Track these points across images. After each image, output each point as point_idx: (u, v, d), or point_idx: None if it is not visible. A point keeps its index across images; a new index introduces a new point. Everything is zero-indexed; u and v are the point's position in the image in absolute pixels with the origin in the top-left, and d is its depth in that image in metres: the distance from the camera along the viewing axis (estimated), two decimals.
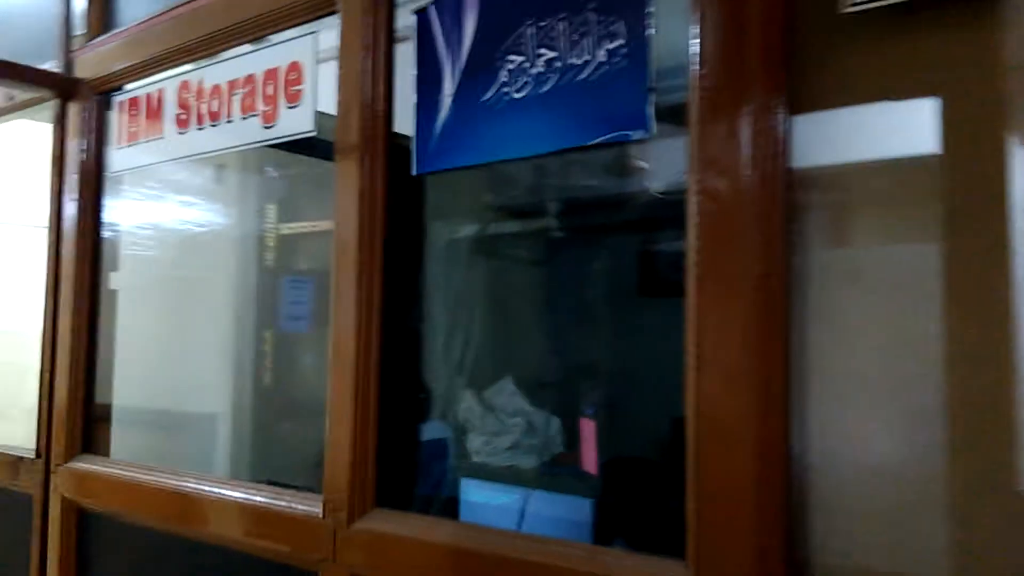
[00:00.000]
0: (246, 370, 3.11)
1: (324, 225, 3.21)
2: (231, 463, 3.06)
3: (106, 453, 2.15)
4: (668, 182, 2.71)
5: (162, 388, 3.02)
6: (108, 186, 2.17)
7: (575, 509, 2.17)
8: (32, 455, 2.14)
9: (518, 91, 1.34)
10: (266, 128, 1.70)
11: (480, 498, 2.33)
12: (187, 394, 3.06)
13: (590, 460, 2.13)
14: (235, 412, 3.09)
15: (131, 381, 2.96)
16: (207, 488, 1.74)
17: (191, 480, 1.80)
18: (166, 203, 2.90)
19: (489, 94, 1.38)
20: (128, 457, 3.02)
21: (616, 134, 1.22)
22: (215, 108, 1.81)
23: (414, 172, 1.48)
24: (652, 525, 2.45)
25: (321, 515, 1.51)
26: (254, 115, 1.72)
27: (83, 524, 2.03)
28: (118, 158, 2.09)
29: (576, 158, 2.84)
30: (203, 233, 3.02)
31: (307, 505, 1.55)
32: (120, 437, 3.00)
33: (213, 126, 1.82)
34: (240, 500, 1.66)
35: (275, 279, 3.18)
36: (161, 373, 3.01)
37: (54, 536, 2.04)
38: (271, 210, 3.18)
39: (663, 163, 2.96)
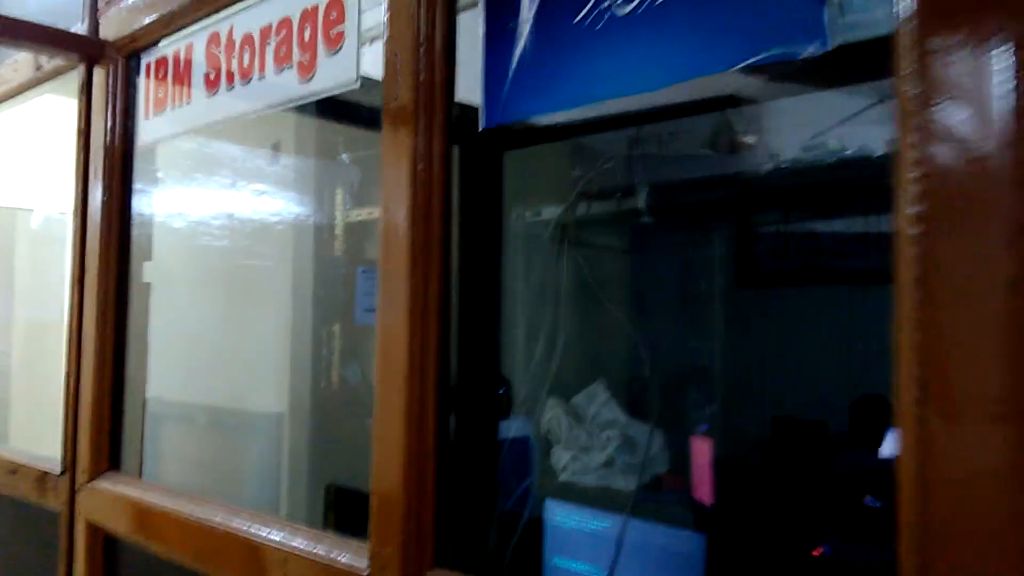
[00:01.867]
0: (314, 367, 2.77)
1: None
2: (295, 467, 2.73)
3: (137, 464, 1.82)
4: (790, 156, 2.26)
5: (221, 386, 2.71)
6: (146, 168, 1.84)
7: (683, 544, 1.75)
8: (58, 469, 1.83)
9: (624, 4, 0.93)
10: (303, 82, 1.32)
11: (569, 523, 1.93)
12: (249, 392, 2.74)
13: (704, 487, 1.70)
14: (301, 412, 2.76)
15: (185, 378, 2.66)
16: (238, 525, 1.38)
17: (221, 513, 1.44)
18: (219, 188, 2.58)
19: (583, 13, 0.97)
20: (181, 460, 2.73)
21: (775, 52, 0.80)
22: (246, 63, 1.45)
23: (482, 126, 1.08)
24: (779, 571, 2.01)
25: (368, 571, 1.13)
26: (289, 67, 1.35)
27: (111, 551, 1.70)
28: (146, 129, 1.75)
29: (676, 129, 2.40)
30: (267, 221, 2.69)
31: (352, 557, 1.17)
32: (173, 437, 2.70)
33: (244, 84, 1.46)
34: (273, 544, 1.29)
35: (345, 269, 2.83)
36: (221, 370, 2.70)
37: (79, 563, 1.72)
38: (338, 195, 2.82)
39: (775, 135, 2.51)
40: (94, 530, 1.70)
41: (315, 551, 1.22)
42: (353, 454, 2.91)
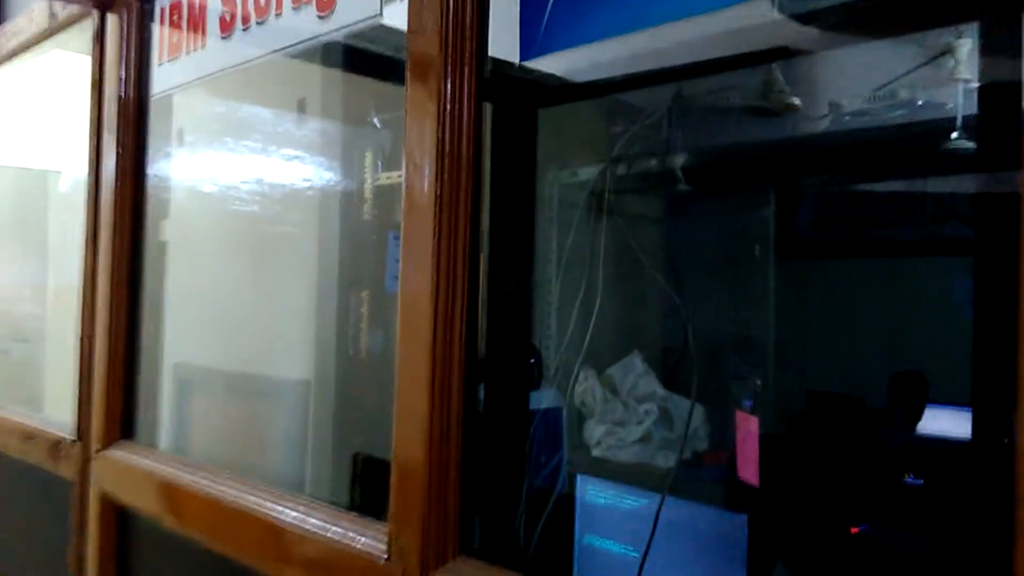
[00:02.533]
0: (341, 334, 2.66)
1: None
2: (322, 436, 2.63)
3: (153, 433, 1.72)
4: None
5: (246, 351, 2.61)
6: (166, 130, 1.72)
7: (725, 525, 1.62)
8: (73, 436, 1.73)
9: None
10: (321, 18, 1.19)
11: (602, 500, 1.80)
12: (275, 359, 2.63)
13: (749, 466, 1.56)
14: (328, 379, 2.65)
15: (210, 342, 2.56)
16: (250, 499, 1.27)
17: (236, 488, 1.33)
18: (245, 151, 2.46)
19: None
20: (203, 428, 2.63)
21: None
22: (262, 1, 1.32)
23: (519, 60, 0.94)
24: (825, 554, 1.88)
25: (386, 556, 1.01)
26: (307, 3, 1.22)
27: (124, 525, 1.61)
28: (160, 78, 1.62)
29: (719, 86, 2.24)
30: (294, 184, 2.57)
31: (369, 541, 1.05)
32: (195, 403, 2.61)
33: (261, 24, 1.32)
34: (288, 522, 1.18)
35: (375, 235, 2.70)
36: (246, 335, 2.60)
37: (93, 535, 1.63)
38: (367, 157, 2.69)
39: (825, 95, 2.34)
40: (107, 502, 1.60)
41: (328, 533, 1.10)
42: (381, 423, 2.81)
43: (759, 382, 1.72)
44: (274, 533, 1.19)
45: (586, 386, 1.84)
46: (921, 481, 2.61)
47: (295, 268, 2.61)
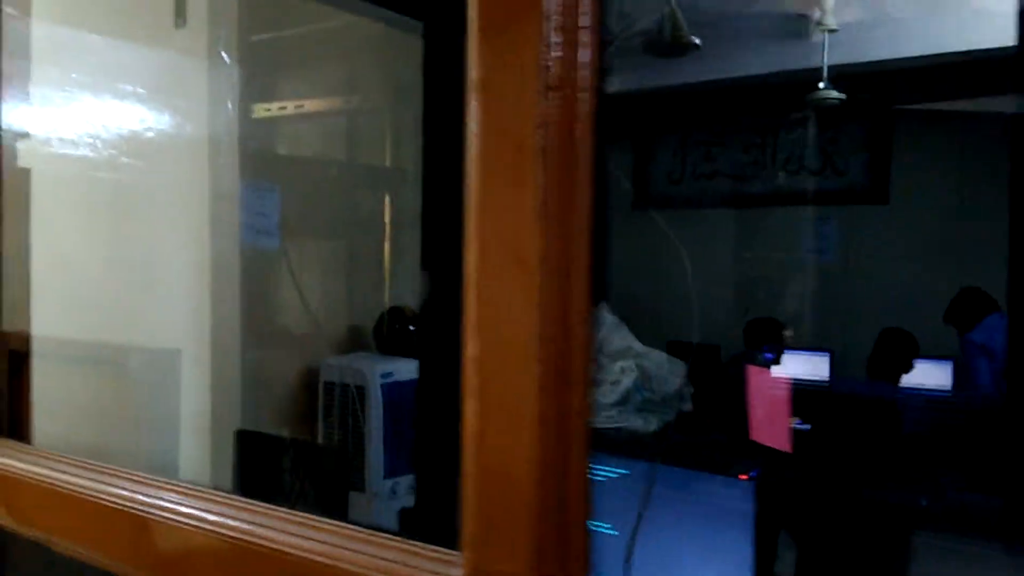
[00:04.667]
0: (220, 297, 2.19)
1: (310, 105, 2.27)
2: (197, 410, 2.16)
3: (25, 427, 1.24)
4: None
5: (106, 319, 2.09)
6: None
7: (729, 492, 1.37)
8: None
9: None
10: None
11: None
12: (139, 326, 2.13)
13: (770, 428, 1.30)
14: (202, 347, 2.17)
15: (62, 309, 2.02)
16: (195, 514, 0.86)
17: (163, 491, 0.91)
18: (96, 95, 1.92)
19: None
20: (60, 409, 2.10)
21: None
22: None
23: None
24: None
25: None
26: None
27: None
28: None
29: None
30: (147, 129, 2.04)
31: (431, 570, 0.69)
32: (45, 380, 2.07)
33: None
34: (252, 542, 0.79)
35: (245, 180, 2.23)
36: (106, 301, 2.07)
37: None
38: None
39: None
40: None
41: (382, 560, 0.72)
42: (269, 395, 2.37)
43: (789, 332, 1.47)
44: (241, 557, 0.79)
45: None
46: (808, 426, 2.53)
47: (158, 225, 2.11)
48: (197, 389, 2.17)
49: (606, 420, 1.46)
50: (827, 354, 3.89)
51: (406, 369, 2.26)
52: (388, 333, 2.39)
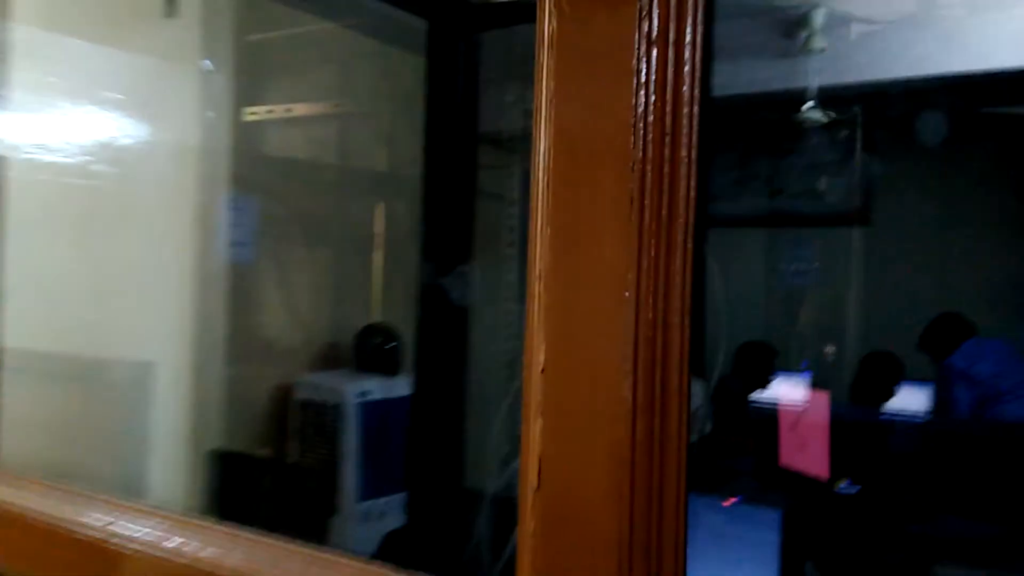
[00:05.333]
0: (200, 310, 2.05)
1: (301, 109, 2.15)
2: (171, 427, 2.01)
3: None
4: None
5: (76, 330, 1.94)
6: None
7: (754, 522, 1.26)
8: None
9: None
10: None
11: None
12: (112, 338, 1.98)
13: (806, 453, 1.19)
14: (179, 361, 2.03)
15: (31, 321, 1.87)
16: (171, 547, 0.73)
17: (139, 516, 0.78)
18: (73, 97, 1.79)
19: None
20: (28, 425, 1.95)
21: None
22: None
23: None
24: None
25: None
26: None
27: None
28: None
29: None
30: (128, 138, 1.90)
31: None
32: (14, 395, 1.92)
33: None
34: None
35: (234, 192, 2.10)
36: (76, 313, 1.93)
37: None
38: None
39: None
40: None
41: None
42: (247, 412, 2.23)
43: (832, 348, 1.37)
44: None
45: None
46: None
47: (135, 236, 1.97)
48: (171, 405, 2.03)
49: None
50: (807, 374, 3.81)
51: (383, 387, 2.15)
52: (365, 350, 2.27)
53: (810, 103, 3.11)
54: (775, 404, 1.20)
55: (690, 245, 0.50)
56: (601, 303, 0.50)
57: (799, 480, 1.16)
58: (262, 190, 2.11)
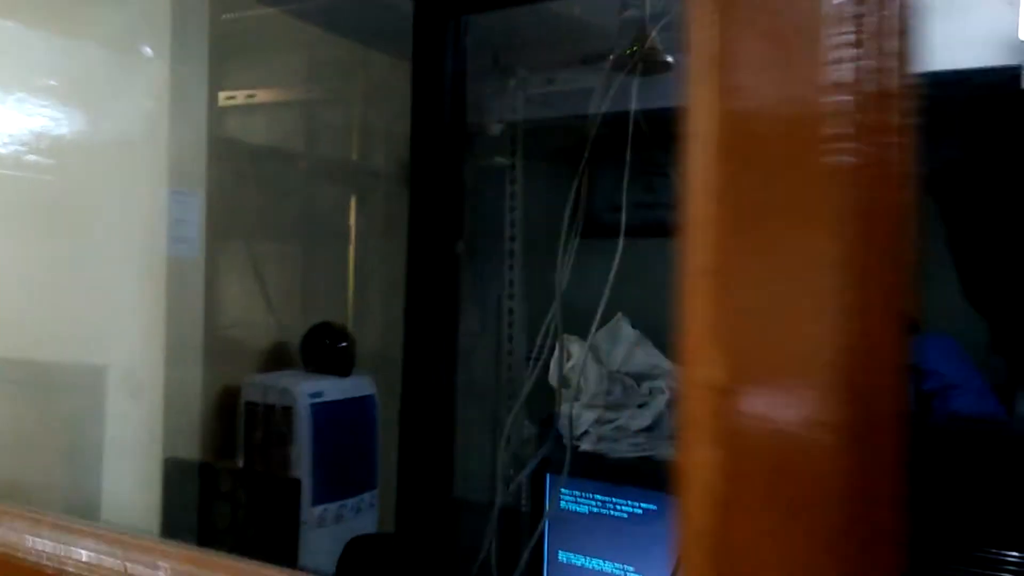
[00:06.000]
0: (150, 308, 1.87)
1: (264, 95, 2.00)
2: (129, 437, 1.83)
3: None
4: None
5: (19, 333, 1.75)
6: None
7: None
8: None
9: None
10: None
11: (585, 508, 1.29)
12: (56, 341, 1.79)
13: None
14: (136, 365, 1.85)
15: None
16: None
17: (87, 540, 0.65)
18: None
19: None
20: None
21: None
22: None
23: None
24: None
25: None
26: None
27: None
28: None
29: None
30: (74, 127, 1.71)
31: None
32: None
33: None
34: None
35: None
36: (33, 314, 1.74)
37: None
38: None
39: None
40: None
41: None
42: (214, 420, 2.06)
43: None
44: None
45: (575, 359, 1.30)
46: None
47: (84, 232, 1.79)
48: (125, 412, 1.85)
49: (632, 449, 1.25)
50: None
51: (336, 388, 2.03)
52: (315, 350, 2.14)
53: None
54: None
55: (912, 228, 0.40)
56: (802, 305, 0.39)
57: None
58: (225, 181, 1.95)
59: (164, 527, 1.76)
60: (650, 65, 1.73)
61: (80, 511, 1.77)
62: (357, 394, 1.96)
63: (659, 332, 1.37)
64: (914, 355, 3.58)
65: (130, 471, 1.85)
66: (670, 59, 1.80)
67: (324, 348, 2.06)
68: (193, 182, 1.90)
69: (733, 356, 0.41)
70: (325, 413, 1.96)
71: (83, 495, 1.77)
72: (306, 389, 1.90)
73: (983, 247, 1.48)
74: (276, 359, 2.20)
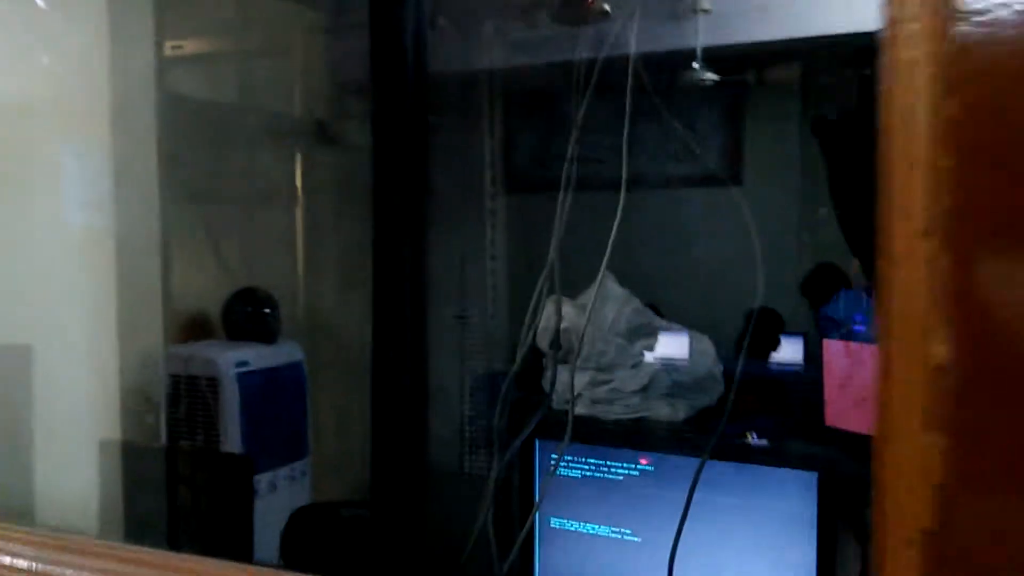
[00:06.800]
0: (77, 282, 1.70)
1: (194, 46, 1.82)
2: (63, 423, 1.68)
3: None
4: None
5: None
6: None
7: (787, 486, 1.16)
8: None
9: None
10: None
11: (578, 472, 1.23)
12: None
13: (854, 410, 1.09)
14: (59, 340, 1.69)
15: None
16: None
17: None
18: None
19: None
20: None
21: None
22: None
23: None
24: None
25: None
26: None
27: None
28: None
29: None
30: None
31: None
32: None
33: None
34: None
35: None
36: None
37: None
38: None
39: None
40: None
41: None
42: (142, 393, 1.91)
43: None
44: None
45: (567, 321, 1.23)
46: None
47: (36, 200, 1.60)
48: (55, 394, 1.70)
49: (626, 410, 1.20)
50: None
51: (263, 356, 1.94)
52: (238, 318, 2.04)
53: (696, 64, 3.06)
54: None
55: None
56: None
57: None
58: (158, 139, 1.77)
59: (101, 512, 1.66)
60: (587, 14, 1.65)
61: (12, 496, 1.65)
62: (285, 361, 1.89)
63: (641, 289, 1.33)
64: (842, 308, 3.66)
65: (62, 456, 1.72)
66: (607, 7, 1.72)
67: (247, 315, 1.95)
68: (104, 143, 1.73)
69: (966, 330, 0.36)
70: (252, 382, 1.87)
71: (13, 484, 1.64)
72: (231, 359, 1.81)
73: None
74: (200, 329, 2.06)
